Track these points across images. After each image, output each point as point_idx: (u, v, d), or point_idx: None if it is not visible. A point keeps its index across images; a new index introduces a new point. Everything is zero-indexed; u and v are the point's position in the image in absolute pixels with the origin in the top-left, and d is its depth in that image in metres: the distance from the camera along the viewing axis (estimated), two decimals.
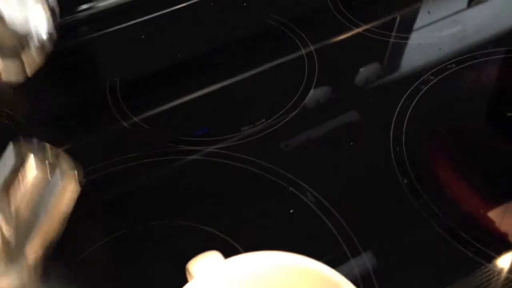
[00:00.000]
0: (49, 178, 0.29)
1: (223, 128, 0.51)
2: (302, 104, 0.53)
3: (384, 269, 0.41)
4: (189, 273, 0.33)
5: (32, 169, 0.29)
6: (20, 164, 0.28)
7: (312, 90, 0.54)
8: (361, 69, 0.56)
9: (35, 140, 0.30)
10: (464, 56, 0.56)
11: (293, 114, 0.52)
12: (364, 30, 0.60)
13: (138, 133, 0.51)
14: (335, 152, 0.49)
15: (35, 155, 0.29)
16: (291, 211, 0.45)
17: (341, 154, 0.49)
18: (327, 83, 0.55)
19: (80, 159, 0.37)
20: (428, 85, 0.54)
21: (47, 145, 0.30)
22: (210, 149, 0.49)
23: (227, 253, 0.34)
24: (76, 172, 0.33)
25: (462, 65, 0.55)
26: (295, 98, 0.53)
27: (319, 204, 0.45)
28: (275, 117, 0.52)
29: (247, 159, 0.48)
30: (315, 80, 0.55)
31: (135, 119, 0.52)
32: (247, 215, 0.45)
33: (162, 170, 0.48)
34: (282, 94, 0.54)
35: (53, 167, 0.30)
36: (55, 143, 0.35)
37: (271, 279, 0.34)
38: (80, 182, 0.34)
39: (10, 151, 0.30)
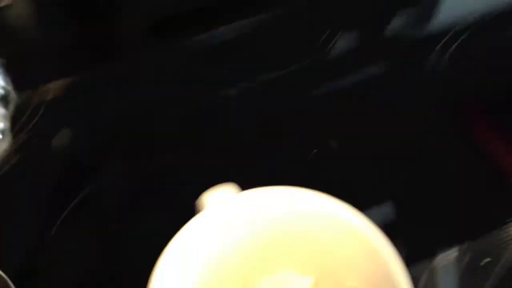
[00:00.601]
0: None
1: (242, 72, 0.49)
2: (326, 51, 0.50)
3: (409, 219, 0.39)
4: (202, 204, 0.31)
5: None
6: None
7: (339, 37, 0.51)
8: (394, 18, 0.53)
9: None
10: (504, 6, 0.52)
11: (316, 61, 0.49)
12: None
13: None
14: (359, 104, 0.46)
15: None
16: (315, 151, 0.42)
17: (365, 107, 0.46)
18: (356, 30, 0.52)
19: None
20: (463, 37, 0.50)
21: None
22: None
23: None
24: None
25: (501, 16, 0.52)
26: (319, 44, 0.51)
27: (345, 148, 0.42)
28: (296, 64, 0.49)
29: (266, 102, 0.45)
30: (343, 27, 0.52)
31: None
32: (267, 156, 0.42)
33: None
34: (307, 40, 0.51)
35: None
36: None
37: (285, 217, 0.32)
38: None
39: None
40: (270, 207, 0.32)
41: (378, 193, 0.41)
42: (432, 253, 0.38)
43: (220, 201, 0.31)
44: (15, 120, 0.38)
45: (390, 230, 0.37)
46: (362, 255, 0.30)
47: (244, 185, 0.33)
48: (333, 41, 0.51)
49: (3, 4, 0.47)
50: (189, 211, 0.32)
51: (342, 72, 0.49)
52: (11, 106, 0.26)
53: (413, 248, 0.37)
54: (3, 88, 0.23)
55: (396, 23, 0.53)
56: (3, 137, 0.22)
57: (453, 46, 0.50)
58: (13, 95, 0.26)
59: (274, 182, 0.32)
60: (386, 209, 0.40)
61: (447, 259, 0.38)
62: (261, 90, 0.47)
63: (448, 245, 0.39)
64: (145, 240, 0.39)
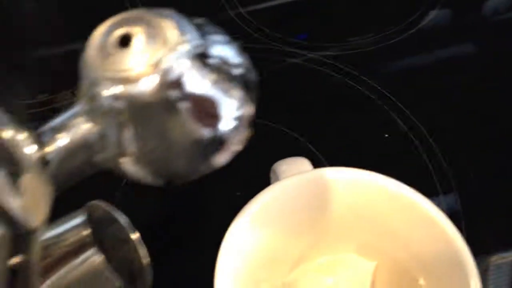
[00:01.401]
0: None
1: (328, 36, 0.48)
2: (418, 26, 0.49)
3: (472, 211, 0.39)
4: (274, 174, 0.32)
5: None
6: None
7: (433, 12, 0.50)
8: None
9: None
10: None
11: (406, 34, 0.48)
12: None
13: (242, 25, 0.49)
14: (445, 82, 0.45)
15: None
16: (386, 135, 0.42)
17: (452, 86, 0.45)
18: (452, 7, 0.50)
19: None
20: None
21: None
22: (312, 55, 0.47)
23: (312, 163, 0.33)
24: None
25: None
26: (412, 17, 0.49)
27: (418, 133, 0.42)
28: (386, 33, 0.48)
29: (349, 71, 0.45)
30: (439, 2, 0.50)
31: (241, 10, 0.50)
32: (339, 129, 0.43)
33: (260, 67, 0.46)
34: (399, 11, 0.50)
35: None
36: None
37: (354, 198, 0.32)
38: None
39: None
40: (340, 187, 0.31)
41: (444, 183, 0.40)
42: (488, 251, 0.38)
43: (292, 174, 0.31)
44: None
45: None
46: (431, 243, 0.30)
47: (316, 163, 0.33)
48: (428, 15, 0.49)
49: None
50: (264, 180, 0.33)
51: (437, 45, 0.48)
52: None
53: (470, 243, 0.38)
54: (242, 65, 0.20)
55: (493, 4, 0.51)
56: (240, 124, 0.19)
57: None
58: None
59: (345, 162, 0.32)
60: (451, 199, 0.40)
61: (503, 259, 0.38)
62: (351, 60, 0.47)
63: (508, 246, 0.38)
64: (220, 203, 0.40)
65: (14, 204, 0.17)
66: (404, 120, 0.43)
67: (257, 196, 0.30)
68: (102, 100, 0.18)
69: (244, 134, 0.20)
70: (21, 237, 0.18)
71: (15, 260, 0.18)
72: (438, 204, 0.38)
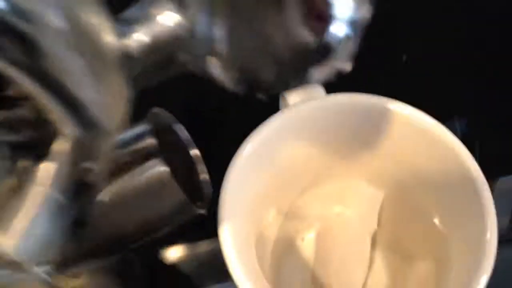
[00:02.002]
0: None
1: None
2: None
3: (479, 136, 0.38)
4: (284, 101, 0.30)
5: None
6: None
7: None
8: None
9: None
10: None
11: None
12: None
13: None
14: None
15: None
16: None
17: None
18: None
19: None
20: None
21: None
22: None
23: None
24: None
25: None
26: None
27: None
28: None
29: None
30: None
31: None
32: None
33: None
34: None
35: None
36: None
37: (365, 124, 0.31)
38: None
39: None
40: (352, 113, 0.30)
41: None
42: (495, 175, 0.38)
43: (304, 101, 0.30)
44: None
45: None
46: (443, 169, 0.29)
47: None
48: None
49: None
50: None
51: None
52: None
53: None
54: None
55: None
56: (353, 32, 0.15)
57: None
58: None
59: (356, 88, 0.30)
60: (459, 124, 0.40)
61: (508, 183, 0.39)
62: None
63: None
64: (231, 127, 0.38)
65: (93, 100, 0.14)
66: None
67: (268, 120, 0.29)
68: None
69: (354, 47, 0.17)
70: (94, 140, 0.15)
71: (85, 165, 0.16)
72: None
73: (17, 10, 0.13)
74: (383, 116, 0.30)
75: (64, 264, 0.18)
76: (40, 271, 0.17)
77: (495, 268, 0.32)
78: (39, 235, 0.14)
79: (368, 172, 0.32)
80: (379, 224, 0.33)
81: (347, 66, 0.17)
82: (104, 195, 0.19)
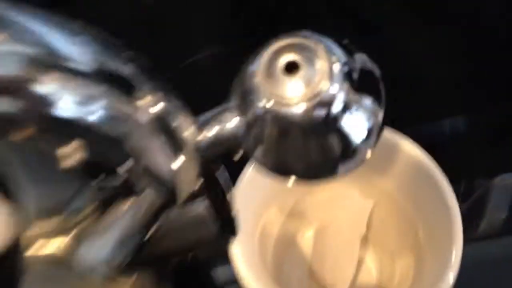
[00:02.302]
0: None
1: None
2: None
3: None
4: None
5: None
6: None
7: None
8: None
9: None
10: None
11: None
12: None
13: None
14: None
15: None
16: None
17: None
18: None
19: None
20: None
21: None
22: None
23: None
24: None
25: None
26: None
27: None
28: None
29: None
30: None
31: None
32: None
33: None
34: None
35: None
36: None
37: None
38: None
39: None
40: None
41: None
42: (493, 174, 0.40)
43: None
44: None
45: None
46: (426, 190, 0.34)
47: None
48: None
49: None
50: None
51: None
52: None
53: (476, 165, 0.40)
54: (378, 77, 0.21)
55: None
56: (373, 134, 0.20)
57: None
58: None
59: None
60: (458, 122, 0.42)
61: (506, 181, 0.41)
62: None
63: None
64: None
65: (169, 170, 0.20)
66: None
67: None
68: (254, 108, 0.20)
69: (374, 143, 0.21)
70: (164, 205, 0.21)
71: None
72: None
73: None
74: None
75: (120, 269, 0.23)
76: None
77: (492, 260, 0.35)
78: (110, 249, 0.21)
79: (360, 184, 0.37)
80: (369, 227, 0.37)
81: (368, 156, 0.21)
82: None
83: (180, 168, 0.20)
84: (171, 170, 0.20)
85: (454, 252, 0.31)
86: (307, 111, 0.19)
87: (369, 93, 0.20)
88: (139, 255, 0.22)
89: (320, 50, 0.19)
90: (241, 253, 0.31)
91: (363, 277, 0.37)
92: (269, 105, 0.19)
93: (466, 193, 0.40)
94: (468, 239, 0.31)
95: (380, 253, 0.37)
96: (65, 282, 0.23)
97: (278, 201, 0.37)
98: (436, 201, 0.33)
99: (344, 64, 0.19)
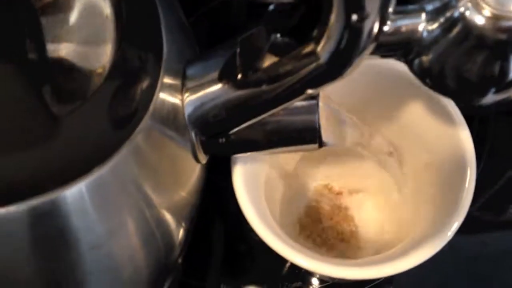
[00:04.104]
0: None
1: None
2: None
3: None
4: None
5: None
6: None
7: None
8: None
9: None
10: None
11: None
12: None
13: None
14: None
15: None
16: None
17: None
18: None
19: None
20: None
21: None
22: None
23: None
24: None
25: None
26: None
27: None
28: None
29: None
30: None
31: None
32: None
33: None
34: None
35: None
36: None
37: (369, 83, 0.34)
38: None
39: None
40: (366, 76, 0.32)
41: None
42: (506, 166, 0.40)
43: None
44: None
45: None
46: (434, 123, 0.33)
47: None
48: None
49: None
50: None
51: None
52: None
53: None
54: None
55: None
56: None
57: None
58: None
59: None
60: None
61: None
62: None
63: None
64: None
65: None
66: None
67: None
68: (453, 11, 0.21)
69: None
70: None
71: None
72: None
73: None
74: (392, 76, 0.33)
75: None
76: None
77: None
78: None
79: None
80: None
81: None
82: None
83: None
84: None
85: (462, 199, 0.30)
86: (498, 28, 0.20)
87: None
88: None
89: None
90: (246, 194, 0.30)
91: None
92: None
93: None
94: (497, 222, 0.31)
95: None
96: None
97: (276, 162, 0.36)
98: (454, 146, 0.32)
99: None
